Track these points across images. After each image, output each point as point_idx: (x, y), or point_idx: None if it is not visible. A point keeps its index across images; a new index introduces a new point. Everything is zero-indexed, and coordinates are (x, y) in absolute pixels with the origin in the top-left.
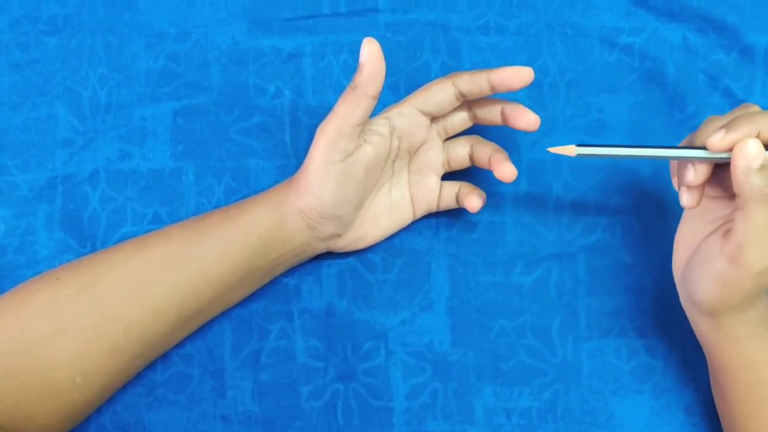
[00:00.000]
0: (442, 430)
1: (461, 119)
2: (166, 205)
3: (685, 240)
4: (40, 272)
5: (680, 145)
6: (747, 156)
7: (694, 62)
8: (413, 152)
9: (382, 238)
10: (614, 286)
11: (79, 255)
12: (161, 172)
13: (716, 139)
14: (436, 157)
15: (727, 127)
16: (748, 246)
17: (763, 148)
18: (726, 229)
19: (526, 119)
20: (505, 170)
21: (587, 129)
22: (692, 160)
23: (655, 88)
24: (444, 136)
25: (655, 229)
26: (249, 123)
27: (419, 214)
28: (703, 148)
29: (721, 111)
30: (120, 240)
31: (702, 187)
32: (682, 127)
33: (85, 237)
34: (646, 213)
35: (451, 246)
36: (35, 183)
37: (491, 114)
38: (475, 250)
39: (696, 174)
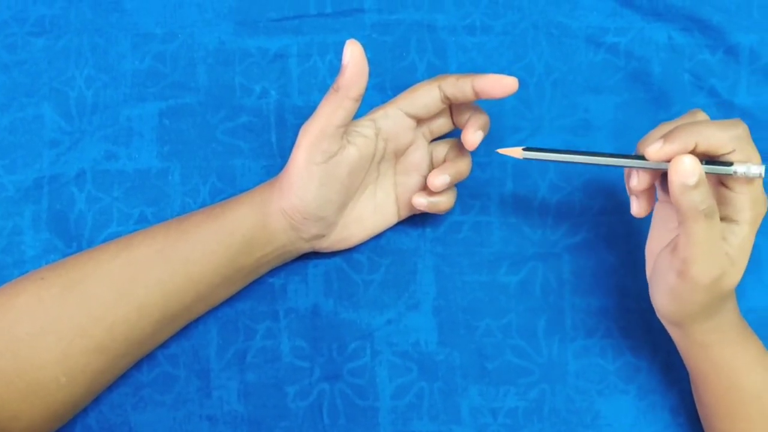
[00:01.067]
0: (428, 430)
1: (446, 121)
2: (152, 206)
3: (652, 249)
4: (26, 272)
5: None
6: (682, 173)
7: (680, 62)
8: (399, 154)
9: (367, 239)
10: (599, 287)
11: (66, 255)
12: (147, 172)
13: (653, 149)
14: (422, 158)
15: (665, 137)
16: (692, 261)
17: (698, 165)
18: (675, 243)
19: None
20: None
21: (573, 129)
22: (634, 168)
23: (641, 88)
24: (430, 138)
25: (639, 230)
26: (235, 123)
27: (404, 215)
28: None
29: (706, 111)
30: (106, 240)
31: (649, 194)
32: None
33: (72, 237)
34: (629, 213)
35: (438, 246)
36: (22, 183)
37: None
38: (461, 250)
39: (639, 181)
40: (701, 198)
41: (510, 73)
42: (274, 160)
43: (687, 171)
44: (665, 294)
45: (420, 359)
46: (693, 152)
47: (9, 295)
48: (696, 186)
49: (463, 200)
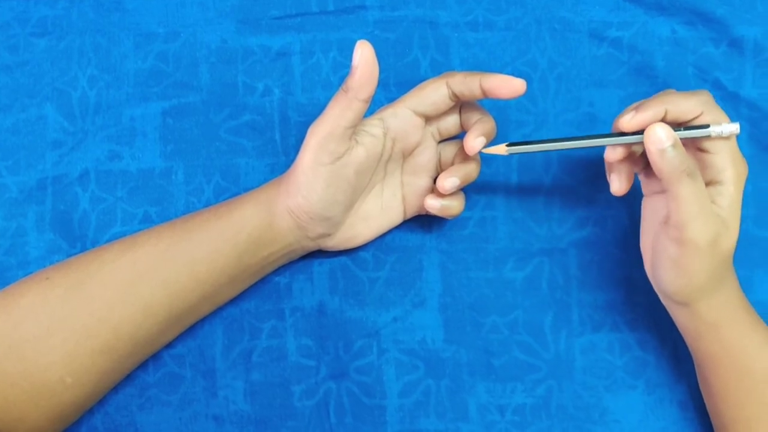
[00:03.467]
0: (435, 427)
1: (455, 122)
2: (156, 205)
3: (646, 243)
4: (30, 273)
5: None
6: (656, 139)
7: (684, 55)
8: (407, 154)
9: (373, 238)
10: (606, 281)
11: (70, 256)
12: (151, 172)
13: (625, 120)
14: (431, 159)
15: (636, 108)
16: (686, 223)
17: (671, 130)
18: (667, 214)
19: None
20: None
21: (578, 123)
22: (612, 144)
23: (645, 82)
24: (438, 138)
25: None
26: (238, 122)
27: (410, 214)
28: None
29: None
30: (110, 240)
31: (627, 171)
32: None
33: (76, 238)
34: (636, 206)
35: (443, 242)
36: (25, 184)
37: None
38: (466, 246)
39: (613, 151)
40: (680, 158)
41: (513, 69)
42: (278, 158)
43: (661, 136)
44: (669, 270)
45: (427, 356)
46: (664, 120)
47: (14, 296)
48: (672, 147)
49: (468, 196)
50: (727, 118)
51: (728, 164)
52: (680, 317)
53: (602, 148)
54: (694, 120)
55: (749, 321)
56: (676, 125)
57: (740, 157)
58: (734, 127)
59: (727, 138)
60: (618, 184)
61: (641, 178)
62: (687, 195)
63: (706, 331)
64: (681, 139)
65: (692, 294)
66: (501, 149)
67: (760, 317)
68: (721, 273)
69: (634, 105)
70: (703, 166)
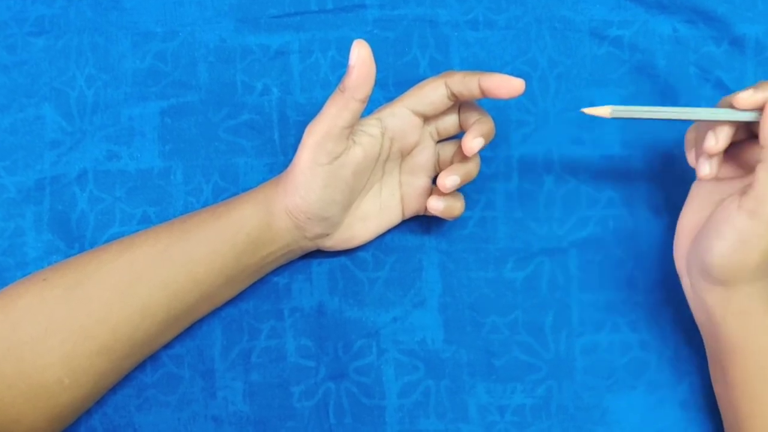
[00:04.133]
0: (435, 428)
1: (453, 121)
2: (155, 205)
3: (691, 221)
4: (28, 274)
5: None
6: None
7: (685, 54)
8: (405, 153)
9: (371, 239)
10: (607, 281)
11: (68, 256)
12: (149, 172)
13: (744, 95)
14: (429, 159)
15: (755, 87)
16: (766, 198)
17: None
18: (744, 189)
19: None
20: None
21: (579, 122)
22: (722, 120)
23: (646, 81)
24: (437, 138)
25: (647, 223)
26: (237, 121)
27: (408, 214)
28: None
29: (713, 103)
30: (108, 241)
31: (720, 156)
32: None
33: (74, 238)
34: (637, 206)
35: (443, 242)
36: (23, 185)
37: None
38: (466, 246)
39: (717, 140)
40: None
41: (513, 68)
42: (277, 157)
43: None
44: (728, 241)
45: (426, 357)
46: None
47: (11, 296)
48: None
49: (468, 195)
50: None
51: None
52: (710, 298)
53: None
54: None
55: None
56: None
57: None
58: None
59: None
60: (707, 168)
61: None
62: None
63: (733, 317)
64: None
65: (740, 273)
66: (605, 111)
67: None
68: None
69: (752, 86)
70: None
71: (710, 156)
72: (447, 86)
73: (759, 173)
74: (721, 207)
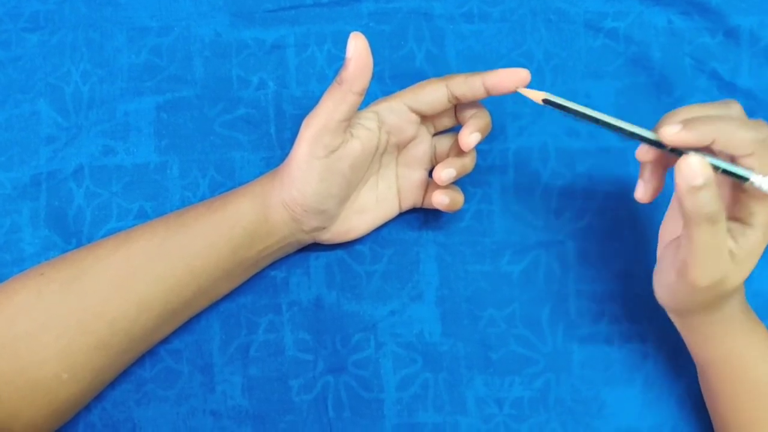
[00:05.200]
0: (433, 421)
1: (450, 116)
2: (151, 200)
3: (663, 236)
4: (25, 270)
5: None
6: (688, 172)
7: (680, 46)
8: (402, 147)
9: (368, 231)
10: (604, 273)
11: (65, 252)
12: (146, 166)
13: (670, 131)
14: (425, 152)
15: (686, 123)
16: (691, 264)
17: (707, 167)
18: (678, 241)
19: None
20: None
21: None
22: (646, 142)
23: (642, 73)
24: (433, 131)
25: (645, 214)
26: (233, 115)
27: (405, 207)
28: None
29: (708, 94)
30: (105, 236)
31: (657, 180)
32: (671, 110)
33: (71, 234)
34: (634, 198)
35: (440, 235)
36: (19, 181)
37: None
38: (463, 239)
39: (645, 152)
40: (705, 201)
41: (509, 61)
42: (273, 151)
43: (693, 171)
44: (665, 288)
45: (424, 350)
46: (710, 147)
47: (8, 292)
48: (701, 188)
49: (465, 189)
50: None
51: (762, 211)
52: (675, 321)
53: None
54: (743, 157)
55: (746, 331)
56: (719, 154)
57: None
58: None
59: None
60: (643, 192)
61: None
62: (701, 239)
63: (703, 341)
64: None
65: (684, 313)
66: (538, 96)
67: (759, 319)
68: (718, 302)
69: (686, 114)
70: (735, 200)
71: (642, 169)
72: (448, 89)
73: (683, 238)
74: (665, 251)
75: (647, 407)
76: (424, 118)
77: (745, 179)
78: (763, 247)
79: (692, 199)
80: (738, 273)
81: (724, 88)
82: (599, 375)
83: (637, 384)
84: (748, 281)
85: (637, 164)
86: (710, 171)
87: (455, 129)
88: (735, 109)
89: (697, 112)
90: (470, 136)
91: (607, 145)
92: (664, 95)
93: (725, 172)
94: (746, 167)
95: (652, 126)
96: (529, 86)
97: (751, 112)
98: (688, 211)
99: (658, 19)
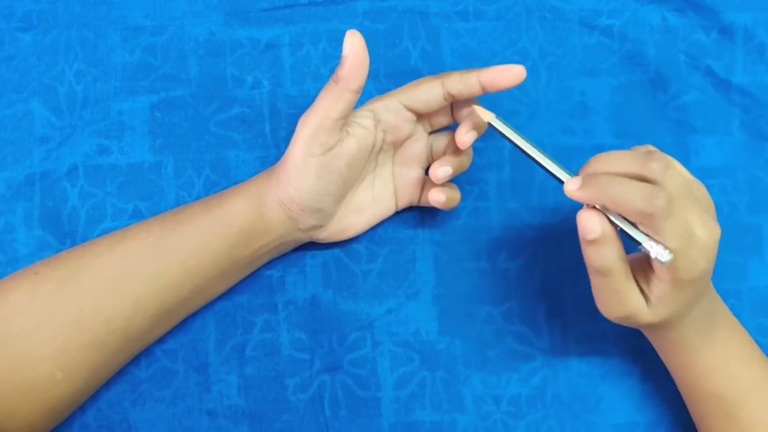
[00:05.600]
0: (431, 419)
1: (446, 114)
2: (146, 200)
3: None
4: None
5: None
6: (581, 227)
7: (675, 43)
8: (398, 145)
9: (365, 230)
10: None
11: (59, 252)
12: (140, 166)
13: (570, 187)
14: (422, 150)
15: (585, 180)
16: (596, 300)
17: (602, 223)
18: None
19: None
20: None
21: (570, 112)
22: (559, 179)
23: (637, 70)
24: (429, 130)
25: None
26: (228, 114)
27: (401, 205)
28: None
29: (703, 91)
30: (100, 236)
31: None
32: (666, 107)
33: (65, 234)
34: None
35: (436, 233)
36: (13, 181)
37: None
38: (460, 237)
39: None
40: (594, 256)
41: (504, 59)
42: (269, 150)
43: (585, 227)
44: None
45: (421, 348)
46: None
47: (2, 291)
48: (592, 243)
49: (461, 186)
50: (675, 234)
51: (666, 273)
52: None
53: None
54: (638, 223)
55: (707, 346)
56: None
57: (696, 259)
58: (666, 258)
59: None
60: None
61: None
62: (596, 284)
63: (660, 351)
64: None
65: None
66: (486, 116)
67: (731, 326)
68: (643, 330)
69: (599, 164)
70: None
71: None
72: (444, 87)
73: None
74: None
75: (645, 402)
76: (420, 116)
77: (638, 241)
78: (680, 297)
79: (584, 250)
80: (650, 314)
81: (719, 85)
82: (596, 371)
83: (634, 379)
84: (743, 278)
85: None
86: (606, 227)
87: (451, 127)
88: (654, 164)
89: (608, 166)
90: (467, 134)
91: (602, 143)
92: (659, 92)
93: (622, 231)
94: (643, 232)
95: (648, 125)
96: (525, 83)
97: (746, 109)
98: (585, 256)
99: (652, 16)
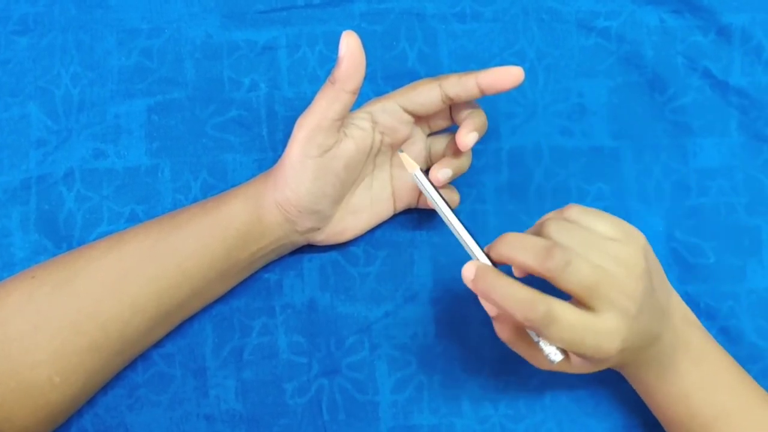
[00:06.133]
0: (429, 423)
1: (445, 116)
2: (143, 203)
3: None
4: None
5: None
6: (483, 303)
7: (672, 44)
8: (396, 147)
9: (363, 232)
10: None
11: (55, 256)
12: (137, 169)
13: (465, 275)
14: (420, 152)
15: (478, 273)
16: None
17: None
18: None
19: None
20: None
21: (568, 114)
22: (473, 253)
23: (634, 71)
24: (428, 132)
25: (638, 214)
26: (225, 117)
27: (399, 208)
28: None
29: (701, 92)
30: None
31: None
32: (664, 108)
33: (61, 238)
34: (628, 197)
35: (434, 236)
36: (9, 184)
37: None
38: (457, 239)
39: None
40: (497, 329)
41: (502, 60)
42: (266, 153)
43: (484, 305)
44: None
45: (419, 352)
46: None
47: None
48: (493, 318)
49: (459, 188)
50: (566, 342)
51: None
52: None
53: None
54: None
55: (667, 376)
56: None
57: (603, 343)
58: (556, 358)
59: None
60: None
61: None
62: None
63: (626, 376)
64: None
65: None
66: (410, 167)
67: (703, 350)
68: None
69: (502, 247)
70: None
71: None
72: (441, 89)
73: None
74: None
75: (642, 406)
76: (419, 118)
77: (536, 337)
78: (603, 364)
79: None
80: (579, 369)
81: (717, 87)
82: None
83: None
84: (741, 280)
85: (632, 163)
86: (488, 283)
87: (450, 129)
88: (550, 266)
89: (510, 253)
90: (468, 136)
91: (599, 144)
92: (656, 94)
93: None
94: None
95: (646, 127)
96: (522, 85)
97: (744, 110)
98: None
99: (650, 17)
